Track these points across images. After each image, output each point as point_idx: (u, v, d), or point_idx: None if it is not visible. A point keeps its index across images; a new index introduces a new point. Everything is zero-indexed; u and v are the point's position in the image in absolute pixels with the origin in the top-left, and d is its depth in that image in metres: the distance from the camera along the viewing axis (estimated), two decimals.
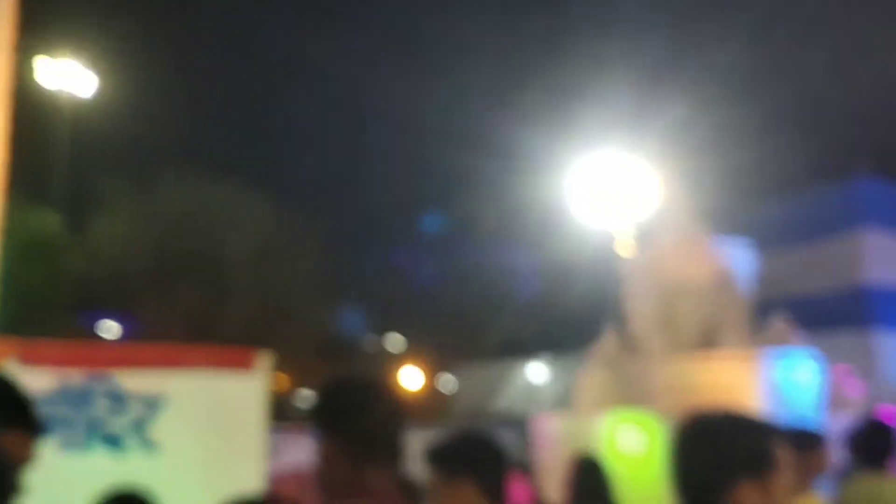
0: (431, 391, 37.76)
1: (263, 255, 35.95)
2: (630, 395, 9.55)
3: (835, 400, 11.20)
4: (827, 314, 19.47)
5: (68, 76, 33.00)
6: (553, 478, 8.40)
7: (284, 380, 37.31)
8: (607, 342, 10.64)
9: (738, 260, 10.64)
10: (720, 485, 2.25)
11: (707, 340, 9.96)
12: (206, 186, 35.96)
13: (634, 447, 8.06)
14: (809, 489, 4.45)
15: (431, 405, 35.56)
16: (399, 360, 42.46)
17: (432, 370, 37.49)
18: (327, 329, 37.72)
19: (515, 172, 30.29)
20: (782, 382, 9.44)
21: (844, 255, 19.80)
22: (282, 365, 36.54)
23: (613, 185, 12.60)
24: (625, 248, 10.49)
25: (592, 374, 8.67)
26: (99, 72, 33.95)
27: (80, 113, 34.55)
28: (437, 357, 37.34)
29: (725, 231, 22.18)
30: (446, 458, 2.69)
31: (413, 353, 42.15)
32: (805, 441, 4.40)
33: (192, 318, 36.51)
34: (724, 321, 9.86)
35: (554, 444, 8.48)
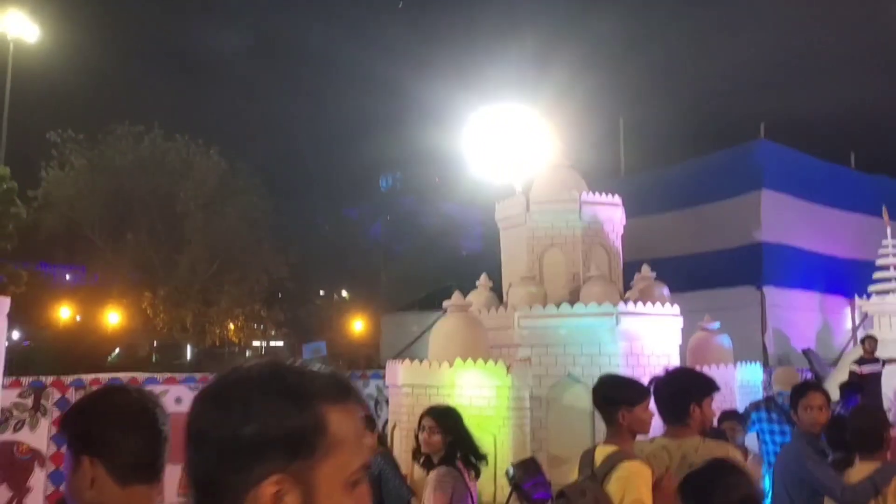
0: (373, 339, 37.43)
1: (213, 206, 35.28)
2: (489, 346, 9.31)
3: (698, 355, 11.08)
4: (726, 271, 19.49)
5: (14, 25, 31.93)
6: (397, 425, 8.19)
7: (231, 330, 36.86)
8: (478, 294, 10.38)
9: (610, 217, 10.38)
10: None
11: (573, 295, 9.72)
12: (157, 138, 35.12)
13: (479, 395, 7.82)
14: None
15: (372, 352, 35.32)
16: (345, 309, 42.26)
17: (375, 319, 37.21)
18: (276, 279, 37.16)
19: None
20: (638, 335, 9.25)
21: (743, 215, 19.73)
22: (231, 314, 36.20)
23: (509, 140, 12.18)
24: (509, 202, 10.14)
25: (448, 323, 8.36)
26: (45, 22, 32.94)
27: (29, 64, 33.49)
28: (380, 307, 37.05)
29: (625, 191, 22.32)
30: None
31: (358, 303, 41.93)
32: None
33: (143, 266, 35.97)
34: (590, 276, 9.58)
35: (399, 392, 8.24)
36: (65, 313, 34.47)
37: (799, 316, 19.93)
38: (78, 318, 36.51)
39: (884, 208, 16.54)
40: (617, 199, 10.48)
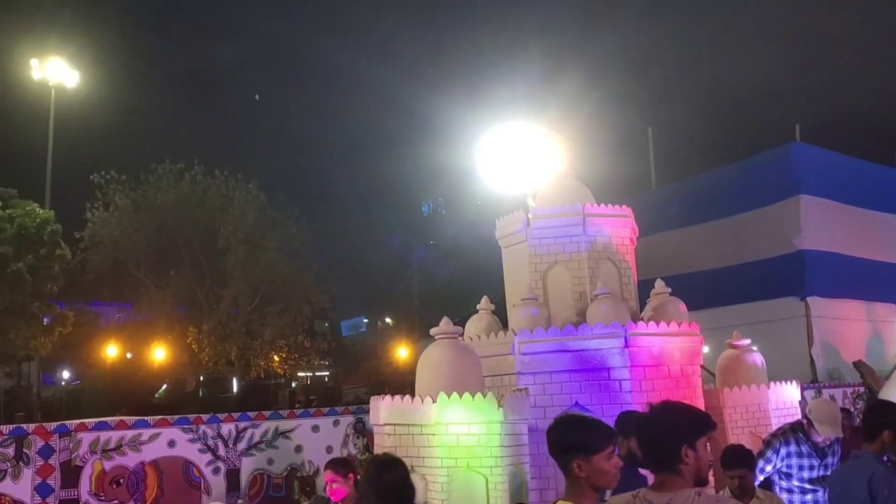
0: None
1: (253, 239, 35.03)
2: (487, 375, 8.33)
3: (728, 375, 9.94)
4: (767, 282, 18.21)
5: (55, 72, 32.27)
6: None
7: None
8: (478, 318, 9.42)
9: (619, 229, 9.33)
10: None
11: (581, 316, 8.69)
12: (197, 174, 35.09)
13: (468, 432, 6.83)
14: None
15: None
16: (389, 336, 41.49)
17: (417, 344, 36.40)
18: (318, 309, 36.64)
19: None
20: (652, 358, 8.19)
21: (782, 223, 18.41)
22: (275, 346, 35.72)
23: (523, 155, 11.25)
24: (508, 218, 9.17)
25: (434, 353, 7.42)
26: (84, 67, 33.26)
27: (70, 108, 33.81)
28: (420, 331, 36.23)
29: (657, 203, 21.18)
30: None
31: (402, 329, 41.15)
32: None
33: (187, 302, 35.83)
34: (597, 294, 8.55)
35: (381, 431, 7.30)
36: (113, 351, 34.34)
37: (847, 326, 18.49)
38: (129, 355, 36.42)
39: None
40: (626, 209, 9.43)
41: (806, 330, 17.86)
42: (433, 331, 7.69)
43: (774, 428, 8.81)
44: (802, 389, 15.58)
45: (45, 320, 30.04)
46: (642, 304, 9.62)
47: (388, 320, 44.64)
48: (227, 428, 9.51)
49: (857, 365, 16.92)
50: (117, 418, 9.91)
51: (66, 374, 38.49)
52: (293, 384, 39.93)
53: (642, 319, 8.63)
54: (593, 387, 8.18)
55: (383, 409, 7.33)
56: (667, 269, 20.39)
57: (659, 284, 9.11)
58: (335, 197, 43.86)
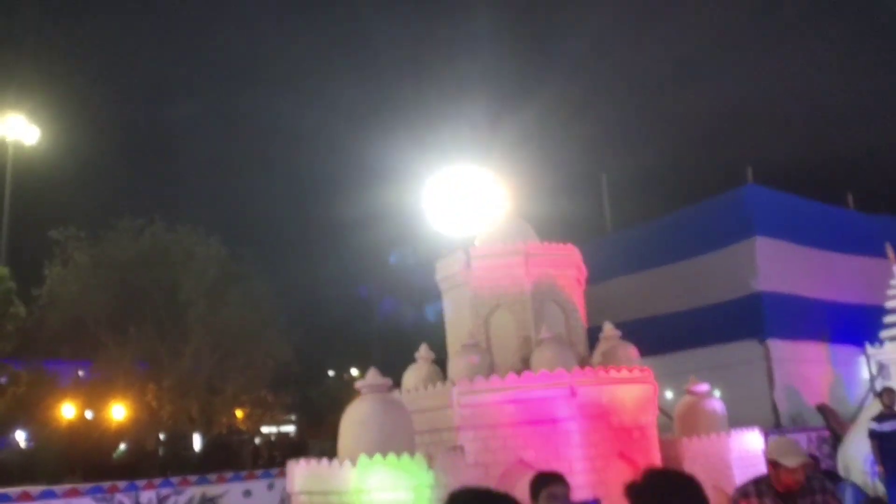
0: None
1: (215, 294, 33.79)
2: (423, 431, 7.39)
3: (687, 422, 9.07)
4: (725, 325, 17.48)
5: (13, 128, 31.34)
6: None
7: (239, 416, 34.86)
8: (417, 368, 8.50)
9: (564, 269, 8.51)
10: None
11: (526, 362, 7.81)
12: (158, 230, 33.98)
13: (394, 499, 5.86)
14: None
15: None
16: (354, 389, 40.08)
17: None
18: (281, 363, 35.33)
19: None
20: (601, 407, 7.30)
21: (738, 265, 17.75)
22: (237, 401, 34.27)
23: (469, 197, 10.43)
24: (448, 260, 8.30)
25: (358, 409, 6.47)
26: (43, 123, 32.34)
27: (29, 164, 32.76)
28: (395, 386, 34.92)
29: (613, 249, 20.59)
30: None
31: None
32: None
33: (148, 358, 34.42)
34: (541, 339, 7.69)
35: (297, 500, 6.30)
36: (70, 410, 32.69)
37: (809, 369, 17.78)
38: (88, 414, 34.74)
39: (888, 247, 14.53)
40: (570, 247, 8.63)
41: (766, 373, 17.11)
42: (358, 384, 6.78)
43: (737, 479, 7.96)
44: (765, 435, 14.77)
45: None
46: (594, 350, 8.77)
47: (353, 372, 43.33)
48: (147, 496, 8.50)
49: (821, 408, 16.16)
50: (20, 489, 8.86)
51: (20, 436, 36.60)
52: (257, 440, 38.31)
53: (591, 366, 7.77)
54: (539, 441, 7.28)
55: (298, 475, 6.35)
56: (624, 314, 19.65)
57: (608, 328, 8.27)
58: (300, 249, 42.94)
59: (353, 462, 5.99)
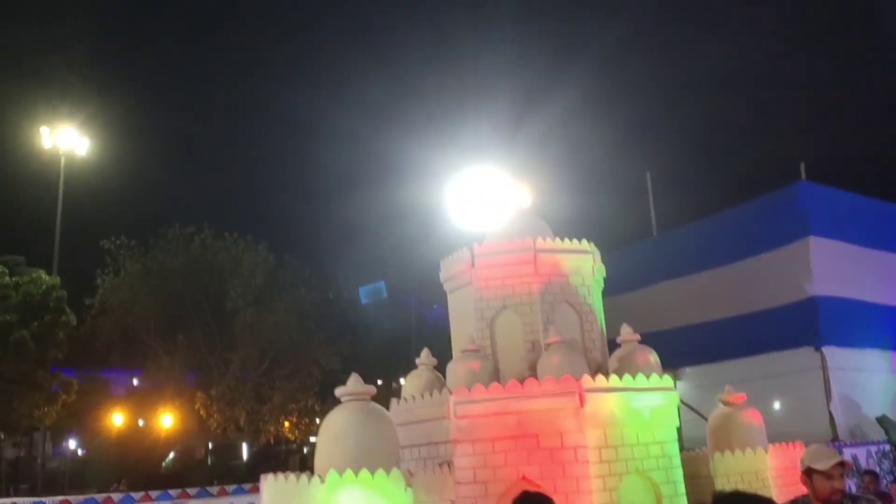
0: None
1: (262, 301, 33.74)
2: (423, 444, 6.75)
3: (720, 436, 8.22)
4: (779, 332, 16.37)
5: (65, 139, 31.79)
6: None
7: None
8: (417, 375, 7.85)
9: (579, 267, 7.76)
10: None
11: (534, 369, 7.10)
12: (207, 238, 34.14)
13: None
14: None
15: None
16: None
17: None
18: (328, 371, 35.04)
19: None
20: (614, 419, 6.54)
21: (791, 267, 16.62)
22: (285, 410, 34.10)
23: (492, 198, 9.78)
24: (453, 258, 7.65)
25: (337, 420, 5.85)
26: (94, 134, 32.76)
27: (81, 175, 33.19)
28: None
29: (659, 251, 19.52)
30: None
31: None
32: None
33: (197, 367, 34.53)
34: (549, 343, 6.97)
35: None
36: (121, 419, 32.94)
37: (869, 379, 16.53)
38: (140, 422, 35.00)
39: None
40: (586, 244, 7.87)
41: (823, 383, 15.95)
42: (338, 391, 6.15)
43: (777, 500, 7.09)
44: None
45: (51, 389, 28.85)
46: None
47: (402, 381, 42.83)
48: None
49: (882, 420, 15.01)
50: (9, 500, 8.47)
51: (72, 444, 37.07)
52: (305, 449, 38.07)
53: (609, 373, 7.01)
54: (544, 456, 6.55)
55: (267, 491, 5.74)
56: (671, 320, 18.68)
57: (625, 330, 7.48)
58: (347, 257, 42.62)
59: (322, 478, 5.37)
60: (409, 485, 5.43)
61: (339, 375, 36.33)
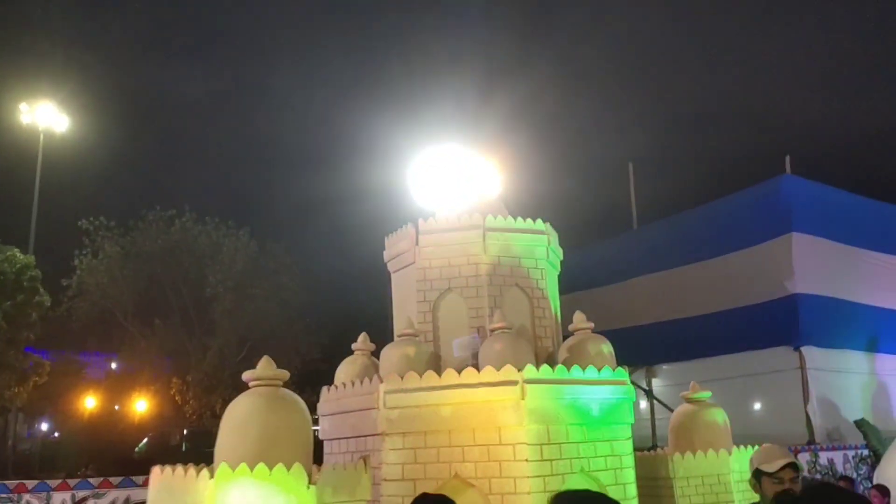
0: None
1: (243, 288, 32.95)
2: (351, 437, 6.07)
3: (681, 436, 7.57)
4: (757, 330, 15.73)
5: (44, 116, 30.98)
6: None
7: None
8: (352, 361, 7.16)
9: (532, 248, 7.07)
10: None
11: (475, 353, 6.41)
12: (188, 221, 33.32)
13: None
14: None
15: None
16: None
17: None
18: (308, 360, 34.30)
19: None
20: (558, 415, 5.86)
21: (772, 264, 15.95)
22: None
23: (457, 178, 9.05)
24: (397, 236, 6.93)
25: (240, 407, 5.15)
26: (74, 112, 31.95)
27: (59, 153, 32.35)
28: None
29: (639, 244, 18.87)
30: None
31: None
32: None
33: (175, 352, 33.78)
34: (493, 329, 6.27)
35: (158, 502, 4.99)
36: (95, 402, 32.18)
37: (848, 380, 15.89)
38: (116, 406, 34.26)
39: None
40: (541, 224, 7.17)
41: (801, 384, 15.30)
42: (245, 375, 5.45)
43: None
44: (797, 452, 13.02)
45: (23, 370, 28.06)
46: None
47: None
48: (60, 498, 7.30)
49: (860, 424, 14.37)
50: None
51: (44, 427, 36.30)
52: None
53: (549, 362, 6.32)
54: (480, 453, 5.85)
55: (152, 485, 5.05)
56: (648, 315, 18.06)
57: (578, 318, 6.77)
58: (330, 244, 41.87)
59: (212, 472, 4.66)
60: (313, 482, 4.73)
61: (320, 365, 35.69)
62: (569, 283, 20.13)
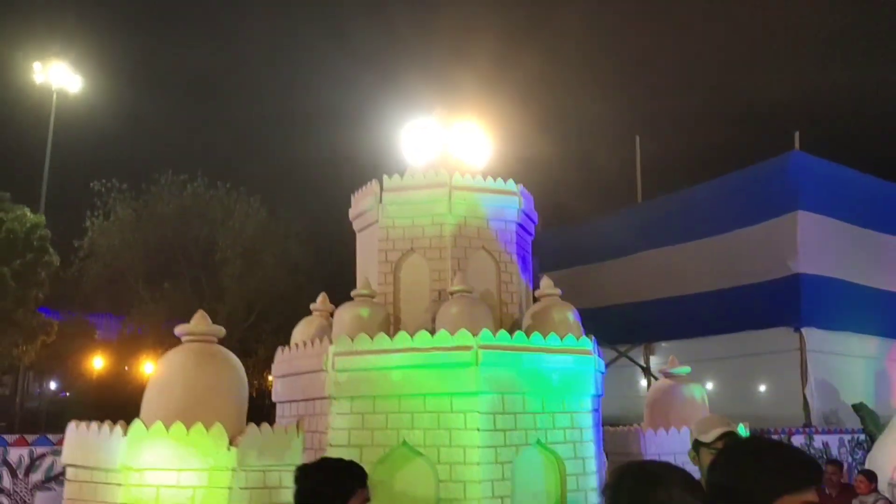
0: None
1: (252, 253, 32.82)
2: (301, 400, 5.74)
3: (657, 411, 7.20)
4: (759, 309, 15.24)
5: (57, 76, 30.81)
6: None
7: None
8: (309, 322, 6.83)
9: (501, 209, 6.67)
10: None
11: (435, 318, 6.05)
12: (200, 186, 33.16)
13: (176, 483, 4.19)
14: None
15: None
16: None
17: None
18: None
19: None
20: (514, 384, 5.49)
21: (776, 242, 15.41)
22: (269, 364, 33.41)
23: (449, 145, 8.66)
24: (361, 193, 6.55)
25: (169, 364, 4.81)
26: (87, 72, 31.75)
27: (72, 114, 32.20)
28: None
29: (643, 219, 18.36)
30: None
31: None
32: None
33: (183, 315, 33.67)
34: (452, 291, 5.90)
35: (67, 469, 4.69)
36: (104, 363, 32.25)
37: (849, 364, 15.38)
38: (126, 367, 34.36)
39: None
40: (512, 184, 6.75)
41: (800, 365, 14.82)
42: (178, 329, 5.12)
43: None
44: (790, 435, 12.58)
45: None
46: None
47: None
48: (18, 454, 7.05)
49: (858, 408, 13.90)
50: None
51: (52, 385, 36.49)
52: None
53: (508, 328, 5.94)
54: (431, 420, 5.50)
55: (67, 441, 4.73)
56: (651, 291, 17.60)
57: (545, 283, 6.37)
58: (339, 213, 41.45)
59: (125, 430, 4.34)
60: (234, 444, 4.40)
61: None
62: (570, 258, 19.83)
